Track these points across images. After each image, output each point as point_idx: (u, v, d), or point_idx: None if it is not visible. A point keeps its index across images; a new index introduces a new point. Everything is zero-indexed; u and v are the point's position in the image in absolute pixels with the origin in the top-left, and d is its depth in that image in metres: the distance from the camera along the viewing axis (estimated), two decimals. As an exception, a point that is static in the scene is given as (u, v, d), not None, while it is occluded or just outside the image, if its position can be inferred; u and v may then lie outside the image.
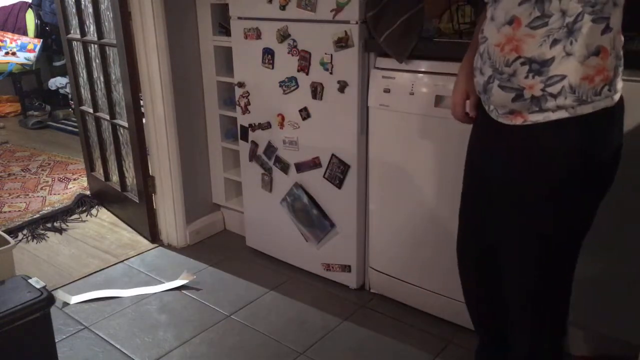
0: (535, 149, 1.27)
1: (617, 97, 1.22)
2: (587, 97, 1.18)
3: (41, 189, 3.46)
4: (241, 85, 2.38)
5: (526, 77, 1.20)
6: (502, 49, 1.23)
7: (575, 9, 1.13)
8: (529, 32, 1.18)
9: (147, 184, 2.70)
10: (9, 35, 4.98)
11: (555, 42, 1.16)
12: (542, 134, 1.24)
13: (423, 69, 1.88)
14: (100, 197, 3.23)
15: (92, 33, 2.80)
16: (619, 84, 1.23)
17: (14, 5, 5.27)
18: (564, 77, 1.17)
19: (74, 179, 3.59)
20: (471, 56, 1.45)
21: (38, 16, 5.17)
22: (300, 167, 2.29)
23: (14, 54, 4.91)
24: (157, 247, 2.75)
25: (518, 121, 1.26)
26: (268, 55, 2.23)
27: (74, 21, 2.95)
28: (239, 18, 2.28)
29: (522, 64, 1.20)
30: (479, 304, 1.66)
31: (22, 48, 4.96)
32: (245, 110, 2.42)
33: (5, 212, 3.11)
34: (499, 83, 1.25)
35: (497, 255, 1.46)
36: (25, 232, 2.88)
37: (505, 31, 1.22)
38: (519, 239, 1.36)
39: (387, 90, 1.96)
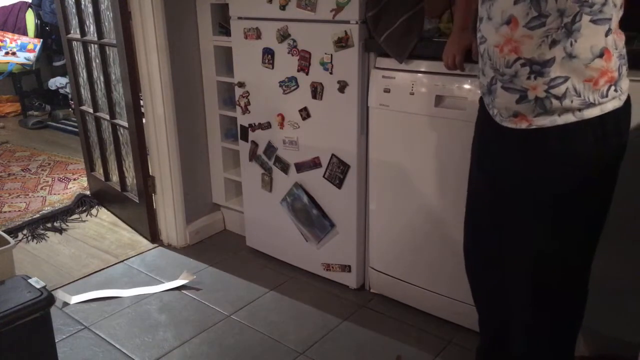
0: (542, 154, 1.24)
1: (624, 97, 1.21)
2: (595, 100, 1.16)
3: (41, 189, 3.46)
4: (241, 85, 2.38)
5: (528, 78, 1.19)
6: (501, 50, 1.21)
7: (572, 8, 1.11)
8: (527, 33, 1.16)
9: (147, 184, 2.70)
10: (9, 35, 4.98)
11: (554, 42, 1.14)
12: (548, 138, 1.22)
13: (423, 69, 1.88)
14: (100, 197, 3.23)
15: (92, 33, 2.80)
16: (625, 84, 1.21)
17: (14, 5, 5.27)
18: (567, 78, 1.16)
19: (74, 179, 3.59)
20: (462, 8, 1.60)
21: (38, 16, 5.17)
22: (300, 167, 2.29)
23: (14, 54, 4.91)
24: (157, 247, 2.75)
25: (523, 125, 1.24)
26: (268, 55, 2.23)
27: (74, 21, 2.95)
28: (239, 18, 2.28)
29: (523, 65, 1.18)
30: (487, 304, 1.65)
31: (22, 48, 4.96)
32: (245, 110, 2.42)
33: (5, 212, 3.11)
34: (502, 84, 1.24)
35: (502, 257, 1.46)
36: (25, 232, 2.88)
37: (503, 31, 1.19)
38: (526, 245, 1.35)
39: (387, 90, 1.96)
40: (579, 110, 1.17)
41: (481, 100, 1.42)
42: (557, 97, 1.17)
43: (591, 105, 1.17)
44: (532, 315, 1.41)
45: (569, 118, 1.18)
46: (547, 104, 1.18)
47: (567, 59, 1.15)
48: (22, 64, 4.96)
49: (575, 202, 1.25)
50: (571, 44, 1.13)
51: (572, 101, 1.17)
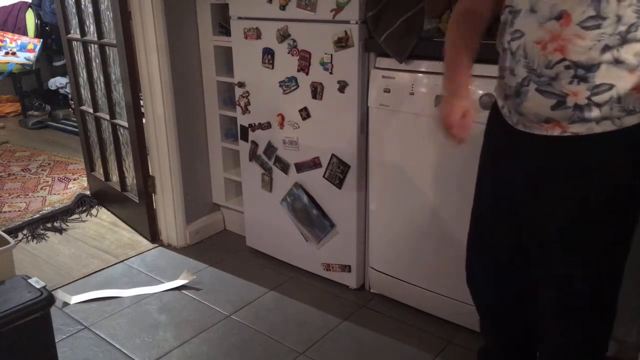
0: (574, 163, 1.16)
1: None
2: (635, 107, 1.10)
3: (41, 189, 3.46)
4: (241, 85, 2.38)
5: (570, 82, 1.09)
6: (543, 47, 1.10)
7: (630, 17, 1.04)
8: (579, 32, 1.06)
9: (147, 184, 2.70)
10: (9, 35, 4.98)
11: (606, 48, 1.05)
12: (584, 146, 1.13)
13: (423, 69, 1.88)
14: (100, 197, 3.23)
15: (92, 33, 2.80)
16: None
17: (14, 5, 5.27)
18: (612, 86, 1.07)
19: (74, 179, 3.59)
20: (455, 54, 1.30)
21: (38, 16, 5.17)
22: (300, 167, 2.29)
23: (14, 54, 4.91)
24: (157, 247, 2.75)
25: (555, 132, 1.13)
26: (268, 55, 2.23)
27: (74, 21, 2.95)
28: (239, 18, 2.28)
29: (567, 67, 1.08)
30: (488, 313, 1.60)
31: (22, 48, 4.96)
32: (245, 110, 2.42)
33: (5, 212, 3.11)
34: (537, 87, 1.13)
35: (516, 272, 1.40)
36: (25, 232, 2.88)
37: (551, 27, 1.08)
38: (557, 257, 1.26)
39: (387, 90, 1.96)
40: (619, 118, 1.10)
41: (494, 107, 1.33)
42: (598, 105, 1.09)
43: (632, 112, 1.10)
44: (562, 331, 1.33)
45: (607, 127, 1.10)
46: (587, 111, 1.09)
47: (613, 65, 1.07)
48: (22, 64, 4.96)
49: (605, 213, 1.17)
50: (617, 50, 1.06)
51: (611, 108, 1.09)
